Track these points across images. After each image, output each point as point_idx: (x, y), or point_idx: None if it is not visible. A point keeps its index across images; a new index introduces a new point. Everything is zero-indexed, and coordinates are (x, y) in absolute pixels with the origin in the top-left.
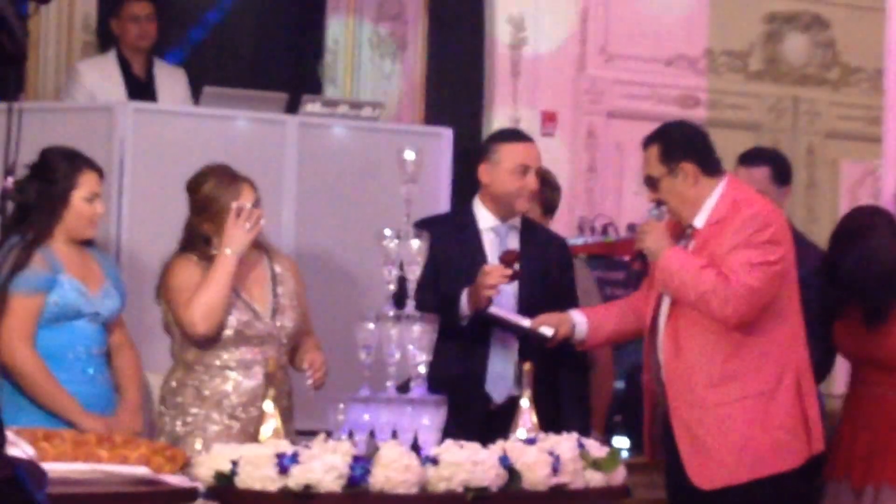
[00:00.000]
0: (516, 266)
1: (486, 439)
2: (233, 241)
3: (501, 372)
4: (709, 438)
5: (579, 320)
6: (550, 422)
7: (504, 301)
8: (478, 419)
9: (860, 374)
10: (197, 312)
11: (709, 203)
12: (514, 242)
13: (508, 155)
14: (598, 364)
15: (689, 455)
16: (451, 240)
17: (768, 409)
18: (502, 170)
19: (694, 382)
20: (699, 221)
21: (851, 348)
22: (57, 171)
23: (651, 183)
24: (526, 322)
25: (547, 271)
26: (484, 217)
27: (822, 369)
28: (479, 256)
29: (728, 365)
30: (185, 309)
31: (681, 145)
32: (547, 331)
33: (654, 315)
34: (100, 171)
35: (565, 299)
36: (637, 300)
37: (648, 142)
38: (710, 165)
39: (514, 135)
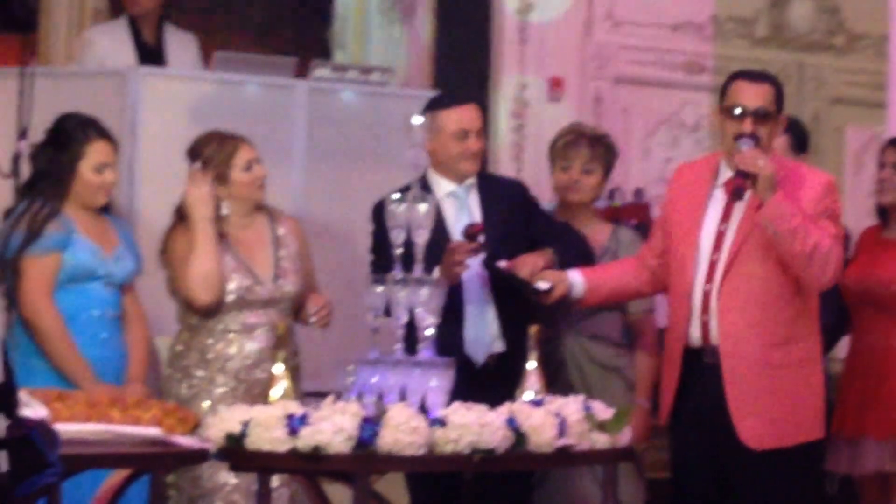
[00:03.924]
0: (481, 238)
1: (472, 399)
2: (197, 205)
3: (479, 336)
4: (765, 399)
5: (577, 280)
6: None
7: (470, 261)
8: (460, 383)
9: (858, 322)
10: (195, 285)
11: None
12: (474, 203)
13: (446, 121)
14: (644, 335)
15: (741, 414)
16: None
17: (812, 377)
18: (443, 137)
19: (756, 342)
20: None
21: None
22: (68, 139)
23: (764, 116)
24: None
25: (512, 221)
26: (440, 184)
27: (831, 338)
28: (439, 225)
29: (789, 328)
30: (183, 283)
31: (783, 97)
32: (543, 284)
33: (691, 270)
34: (113, 141)
35: (538, 240)
36: (637, 262)
37: (761, 78)
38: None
39: (450, 99)
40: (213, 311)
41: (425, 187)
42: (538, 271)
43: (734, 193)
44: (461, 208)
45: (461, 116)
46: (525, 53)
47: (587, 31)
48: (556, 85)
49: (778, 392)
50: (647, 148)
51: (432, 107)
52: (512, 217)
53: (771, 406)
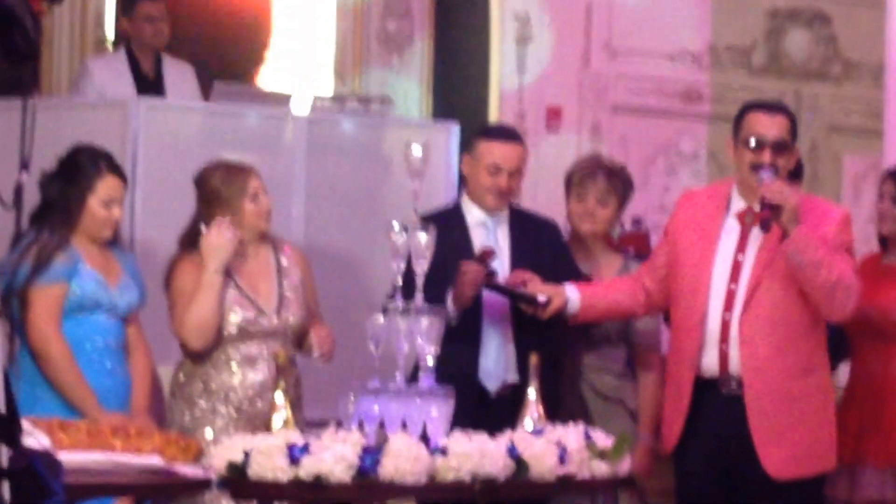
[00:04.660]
0: (492, 264)
1: (484, 428)
2: (214, 256)
3: (493, 366)
4: (788, 430)
5: (572, 296)
6: (552, 409)
7: (495, 296)
8: (473, 412)
9: (857, 350)
10: (189, 331)
11: None
12: (503, 235)
13: (484, 152)
14: (649, 367)
15: (765, 444)
16: (439, 237)
17: (827, 407)
18: (477, 166)
19: (777, 372)
20: None
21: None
22: (79, 171)
23: (782, 147)
24: (521, 288)
25: (539, 259)
26: (472, 212)
27: (834, 361)
28: (466, 252)
29: (808, 359)
30: (178, 325)
31: (797, 129)
32: (541, 297)
33: (703, 301)
34: (123, 176)
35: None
36: (633, 284)
37: (777, 109)
38: None
39: (495, 132)
40: (203, 355)
41: (457, 211)
42: (534, 282)
43: (762, 225)
44: (489, 238)
45: (499, 152)
46: (523, 83)
47: (585, 61)
48: (554, 114)
49: (798, 422)
50: (646, 176)
51: (479, 134)
52: (540, 256)
53: (792, 436)
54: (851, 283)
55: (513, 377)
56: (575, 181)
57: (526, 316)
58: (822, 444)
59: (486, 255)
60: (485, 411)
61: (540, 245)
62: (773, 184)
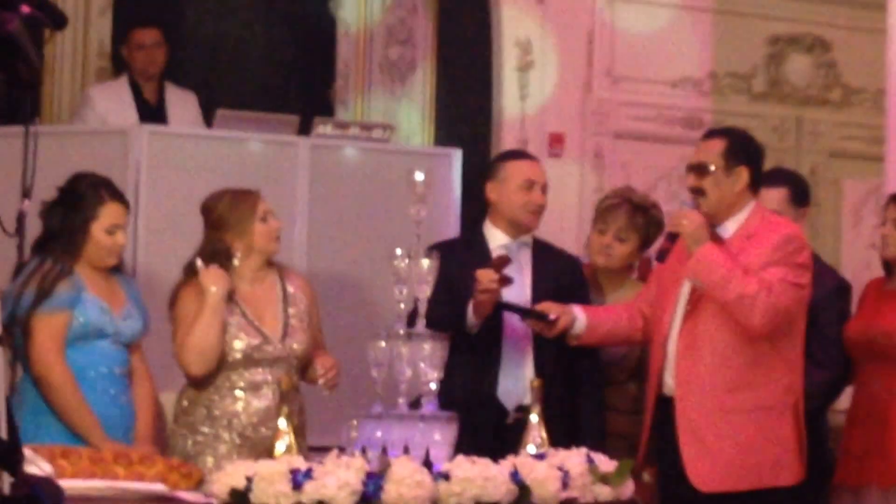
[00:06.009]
0: (507, 273)
1: (499, 452)
2: (216, 280)
3: (513, 385)
4: (716, 442)
5: (579, 316)
6: (567, 435)
7: (515, 319)
8: (491, 432)
9: (860, 373)
10: (190, 355)
11: (739, 217)
12: (525, 259)
13: (513, 172)
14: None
15: (692, 457)
16: (461, 261)
17: (774, 425)
18: (508, 187)
19: (709, 386)
20: (726, 232)
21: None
22: (81, 199)
23: (700, 170)
24: (532, 306)
25: (558, 291)
26: (494, 236)
27: (835, 389)
28: None
29: (745, 374)
30: (179, 350)
31: (746, 150)
32: (551, 314)
33: (669, 319)
34: (125, 203)
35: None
36: (632, 309)
37: (713, 135)
38: (756, 183)
39: (518, 153)
40: (204, 381)
41: (479, 236)
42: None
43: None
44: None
45: (529, 168)
46: (525, 109)
47: (587, 88)
48: (556, 141)
49: (729, 436)
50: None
51: (501, 158)
52: (558, 287)
53: (721, 450)
54: (754, 296)
55: (530, 398)
56: (599, 213)
57: (546, 339)
58: (761, 460)
59: (501, 262)
60: (504, 431)
61: (559, 277)
62: (675, 212)
